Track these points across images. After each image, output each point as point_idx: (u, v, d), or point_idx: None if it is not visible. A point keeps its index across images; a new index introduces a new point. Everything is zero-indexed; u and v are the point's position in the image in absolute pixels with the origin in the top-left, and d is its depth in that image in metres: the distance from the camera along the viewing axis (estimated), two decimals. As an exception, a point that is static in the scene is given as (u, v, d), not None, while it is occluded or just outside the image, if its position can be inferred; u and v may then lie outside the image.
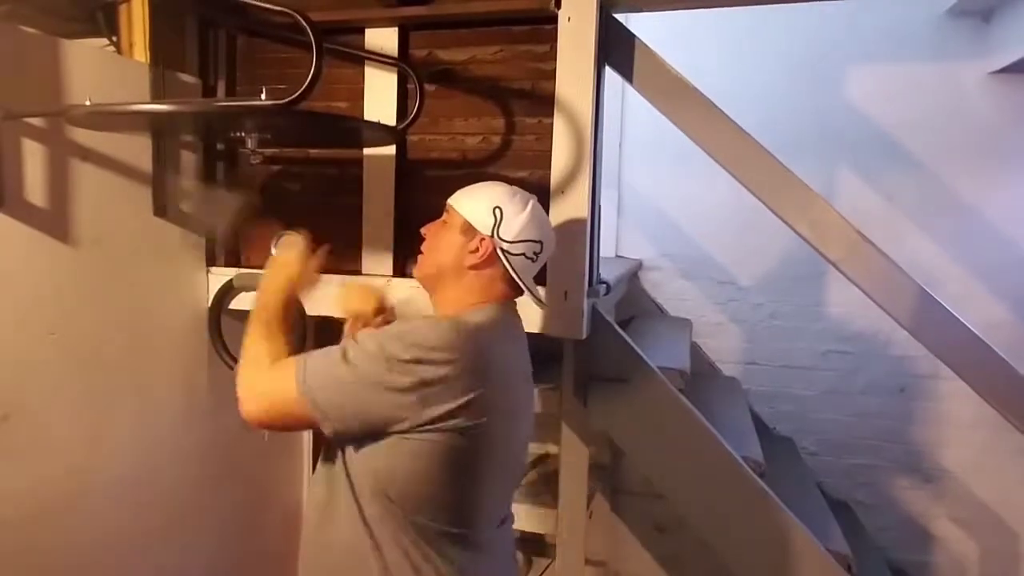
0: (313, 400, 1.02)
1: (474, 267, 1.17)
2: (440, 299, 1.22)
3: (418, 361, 1.01)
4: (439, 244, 1.21)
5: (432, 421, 1.01)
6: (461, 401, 1.02)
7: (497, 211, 1.16)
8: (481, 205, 1.18)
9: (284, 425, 1.11)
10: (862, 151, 2.63)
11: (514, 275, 1.17)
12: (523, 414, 1.22)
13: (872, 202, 2.62)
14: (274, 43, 1.86)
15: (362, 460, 1.07)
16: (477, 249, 1.16)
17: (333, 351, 1.06)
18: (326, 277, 1.76)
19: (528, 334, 1.61)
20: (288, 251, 1.33)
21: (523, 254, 1.17)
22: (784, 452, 2.60)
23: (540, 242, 1.19)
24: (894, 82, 2.59)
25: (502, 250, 1.16)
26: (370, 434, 1.04)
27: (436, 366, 1.01)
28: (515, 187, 1.23)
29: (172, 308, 1.78)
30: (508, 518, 1.26)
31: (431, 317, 1.13)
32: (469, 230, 1.18)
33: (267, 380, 1.08)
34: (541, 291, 1.61)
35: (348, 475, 1.09)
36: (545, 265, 1.59)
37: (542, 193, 1.62)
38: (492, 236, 1.16)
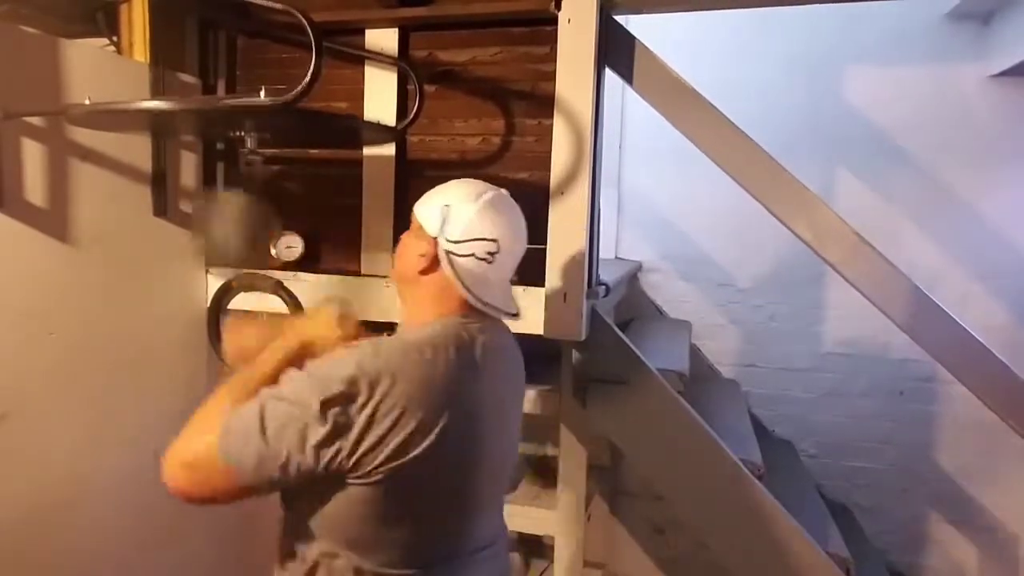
0: (230, 462, 0.91)
1: (424, 272, 1.07)
2: (405, 309, 1.13)
3: (331, 403, 0.90)
4: (401, 250, 1.12)
5: (357, 463, 0.91)
6: (385, 436, 0.91)
7: (445, 209, 1.06)
8: (433, 204, 1.08)
9: (212, 495, 0.95)
10: (861, 153, 2.63)
11: (455, 279, 1.04)
12: (494, 435, 1.09)
13: (871, 204, 2.62)
14: (274, 43, 1.86)
15: (299, 497, 0.99)
16: (425, 253, 1.06)
17: (252, 407, 0.93)
18: (321, 278, 1.78)
19: (527, 335, 1.62)
20: (319, 319, 1.14)
21: (472, 255, 1.04)
22: (783, 454, 2.60)
23: (494, 240, 1.05)
24: (894, 84, 2.59)
25: (446, 251, 1.05)
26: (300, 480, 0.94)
27: (353, 406, 0.91)
28: (481, 183, 1.11)
29: (172, 308, 1.78)
30: (490, 544, 1.12)
31: (361, 345, 0.98)
32: (421, 233, 1.08)
33: (189, 448, 0.94)
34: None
35: (289, 510, 1.02)
36: (544, 266, 1.61)
37: (542, 194, 1.62)
38: (438, 237, 1.06)
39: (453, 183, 1.11)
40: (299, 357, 1.07)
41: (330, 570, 0.99)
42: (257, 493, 0.94)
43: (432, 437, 0.94)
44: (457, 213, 1.05)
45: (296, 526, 1.01)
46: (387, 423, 0.91)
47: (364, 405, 0.91)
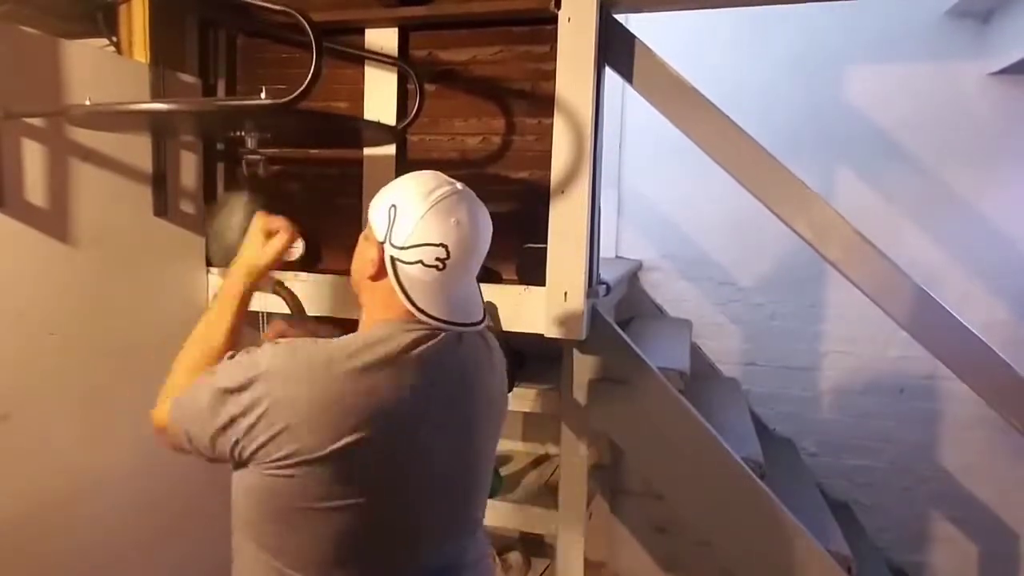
0: (181, 433, 0.98)
1: (372, 279, 1.01)
2: (363, 315, 1.07)
3: (229, 392, 0.93)
4: (356, 252, 1.06)
5: (254, 455, 0.92)
6: (274, 438, 0.90)
7: (392, 211, 0.98)
8: (381, 205, 1.01)
9: (183, 451, 1.02)
10: (861, 151, 2.63)
11: (396, 287, 0.97)
12: (442, 456, 1.02)
13: (871, 203, 2.62)
14: (274, 43, 1.86)
15: (233, 484, 1.00)
16: (373, 259, 0.99)
17: (196, 383, 1.00)
18: (321, 278, 1.78)
19: (529, 334, 1.62)
20: (251, 237, 1.17)
21: (420, 261, 0.96)
22: (784, 453, 2.60)
23: (443, 245, 0.96)
24: (893, 82, 2.59)
25: (392, 258, 0.98)
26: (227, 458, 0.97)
27: (245, 401, 0.91)
28: (435, 179, 1.01)
29: (172, 308, 1.78)
30: (448, 569, 1.05)
31: (283, 343, 0.99)
32: (371, 235, 1.01)
33: (160, 413, 1.03)
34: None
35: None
36: (545, 265, 1.61)
37: (542, 193, 1.62)
38: (384, 242, 0.99)
39: (405, 179, 1.03)
40: (249, 292, 1.14)
41: (244, 560, 1.01)
42: (211, 461, 0.99)
43: (336, 445, 0.90)
44: (403, 215, 0.97)
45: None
46: (277, 426, 0.90)
47: (256, 403, 0.91)
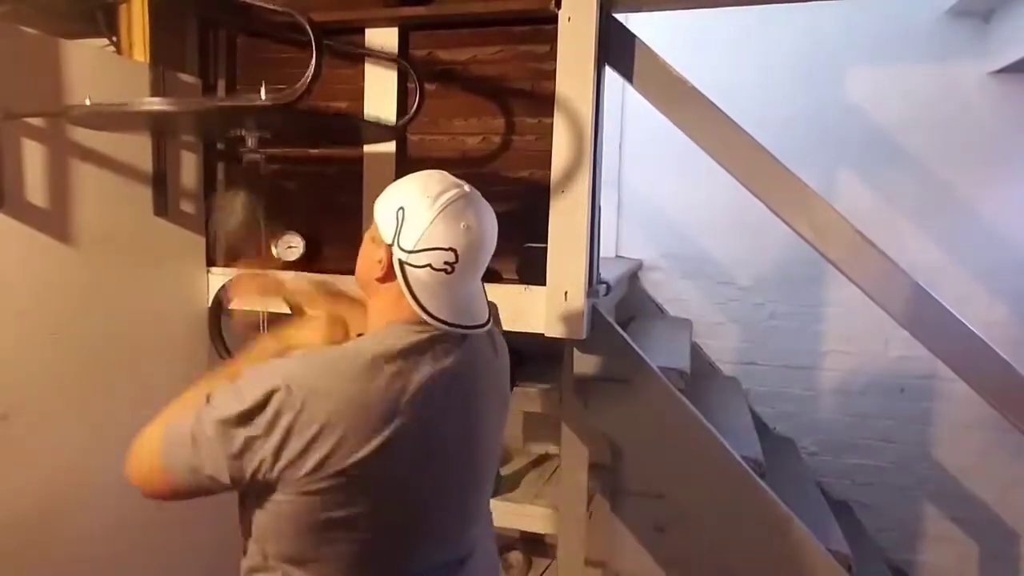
0: (166, 467, 0.95)
1: (380, 281, 1.01)
2: (369, 315, 1.07)
3: (246, 415, 0.90)
4: (362, 252, 1.06)
5: (281, 476, 0.90)
6: (305, 450, 0.89)
7: (400, 213, 0.98)
8: (388, 207, 1.00)
9: (152, 492, 1.01)
10: (862, 151, 2.63)
11: (406, 291, 0.97)
12: (453, 453, 1.03)
13: (871, 202, 2.62)
14: (274, 43, 1.86)
15: (241, 504, 1.01)
16: (381, 260, 1.00)
17: (191, 414, 0.96)
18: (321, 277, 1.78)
19: (529, 334, 1.62)
20: (307, 328, 1.13)
21: (428, 265, 0.96)
22: (784, 452, 2.60)
23: (452, 249, 0.96)
24: (894, 82, 2.59)
25: (400, 261, 0.97)
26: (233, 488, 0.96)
27: (267, 418, 0.89)
28: (441, 180, 1.01)
29: (172, 308, 1.78)
30: (452, 564, 1.07)
31: (293, 355, 0.98)
32: (378, 237, 1.01)
33: (143, 445, 1.00)
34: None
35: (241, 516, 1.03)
36: (545, 265, 1.61)
37: (542, 193, 1.62)
38: (392, 244, 0.98)
39: (411, 179, 1.03)
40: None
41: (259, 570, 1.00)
42: (195, 495, 0.97)
43: (361, 454, 0.90)
44: (411, 218, 0.96)
45: (244, 532, 1.02)
46: (306, 437, 0.89)
47: (278, 418, 0.89)
